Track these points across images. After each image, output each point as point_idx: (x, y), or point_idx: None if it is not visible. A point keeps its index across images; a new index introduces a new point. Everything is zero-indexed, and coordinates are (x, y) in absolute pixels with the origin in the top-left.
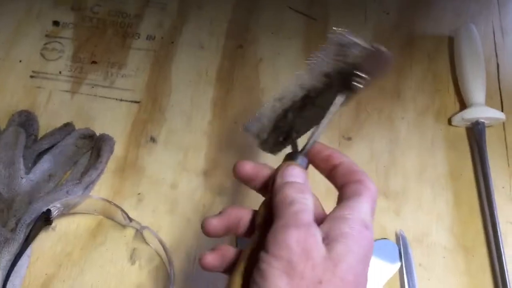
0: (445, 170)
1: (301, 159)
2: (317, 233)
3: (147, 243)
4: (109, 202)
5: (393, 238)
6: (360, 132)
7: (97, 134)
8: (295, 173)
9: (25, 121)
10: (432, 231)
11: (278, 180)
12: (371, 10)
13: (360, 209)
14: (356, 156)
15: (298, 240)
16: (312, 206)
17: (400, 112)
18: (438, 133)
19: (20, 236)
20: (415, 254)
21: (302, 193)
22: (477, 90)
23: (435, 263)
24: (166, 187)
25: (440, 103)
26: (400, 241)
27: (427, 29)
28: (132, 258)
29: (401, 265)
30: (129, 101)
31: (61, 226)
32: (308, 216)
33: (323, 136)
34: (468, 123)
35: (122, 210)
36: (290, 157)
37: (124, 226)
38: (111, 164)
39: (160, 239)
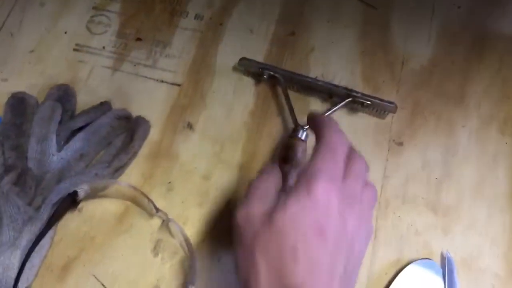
0: (506, 189)
1: (301, 133)
2: (258, 204)
3: (172, 236)
4: (136, 190)
5: (438, 259)
6: (413, 138)
7: (134, 116)
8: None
9: (63, 95)
10: (483, 255)
11: None
12: (440, 2)
13: (306, 165)
14: (407, 164)
15: (242, 216)
16: (268, 184)
17: (461, 119)
18: (503, 146)
19: (44, 216)
20: (461, 279)
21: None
22: None
23: None
24: (198, 178)
25: (508, 113)
26: (446, 263)
27: (502, 27)
28: (156, 250)
29: None
30: (170, 83)
31: (88, 208)
32: (250, 195)
33: (370, 136)
34: None
35: (149, 200)
36: (294, 132)
37: (151, 215)
38: (145, 148)
39: (185, 234)
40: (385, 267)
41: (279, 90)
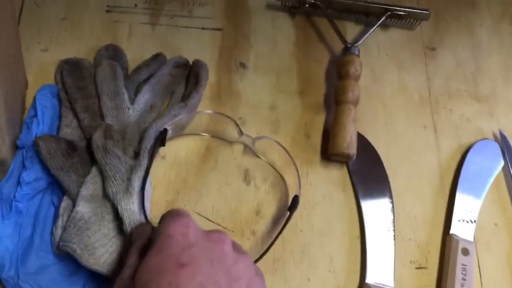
0: None
1: (353, 49)
2: None
3: (258, 157)
4: (221, 114)
5: (492, 138)
6: (443, 42)
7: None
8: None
9: (113, 54)
10: None
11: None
12: None
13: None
14: (443, 65)
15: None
16: None
17: (478, 20)
18: None
19: (144, 162)
20: None
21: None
22: None
23: None
24: (265, 110)
25: None
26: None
27: None
28: (247, 179)
29: (506, 163)
30: (211, 29)
31: (171, 153)
32: None
33: (406, 47)
34: None
35: (235, 123)
36: (346, 50)
37: (231, 143)
38: (206, 91)
39: (280, 143)
40: (451, 154)
41: (315, 19)
